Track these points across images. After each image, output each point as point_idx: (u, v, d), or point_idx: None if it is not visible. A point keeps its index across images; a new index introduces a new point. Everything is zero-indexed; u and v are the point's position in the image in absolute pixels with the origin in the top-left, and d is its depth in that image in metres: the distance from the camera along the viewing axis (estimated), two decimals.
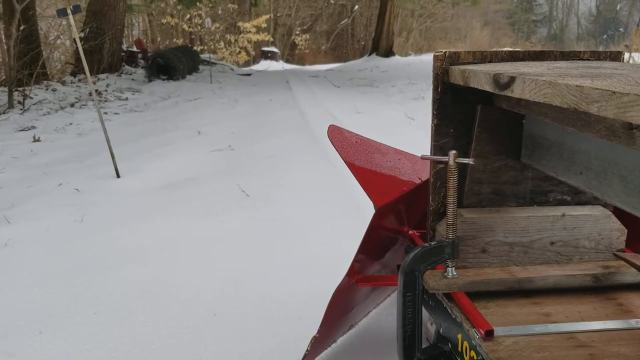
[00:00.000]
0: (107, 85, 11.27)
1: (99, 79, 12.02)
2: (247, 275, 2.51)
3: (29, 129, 7.43)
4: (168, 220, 3.27)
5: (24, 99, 9.23)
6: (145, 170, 4.60)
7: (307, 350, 1.52)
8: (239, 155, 5.16)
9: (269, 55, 28.61)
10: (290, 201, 3.62)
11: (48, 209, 3.51)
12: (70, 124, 7.73)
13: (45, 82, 11.12)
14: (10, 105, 9.09)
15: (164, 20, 27.54)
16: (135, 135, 6.45)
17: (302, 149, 5.26)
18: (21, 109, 8.87)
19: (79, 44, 4.34)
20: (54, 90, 10.45)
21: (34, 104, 9.22)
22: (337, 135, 1.63)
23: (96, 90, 10.58)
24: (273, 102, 9.12)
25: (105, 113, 8.53)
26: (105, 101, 9.77)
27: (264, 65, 25.13)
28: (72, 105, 9.19)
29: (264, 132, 6.25)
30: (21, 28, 9.34)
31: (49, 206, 3.59)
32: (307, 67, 23.93)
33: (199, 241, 2.95)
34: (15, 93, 9.39)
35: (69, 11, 4.23)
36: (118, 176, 4.40)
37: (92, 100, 9.90)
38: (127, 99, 10.14)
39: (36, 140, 6.67)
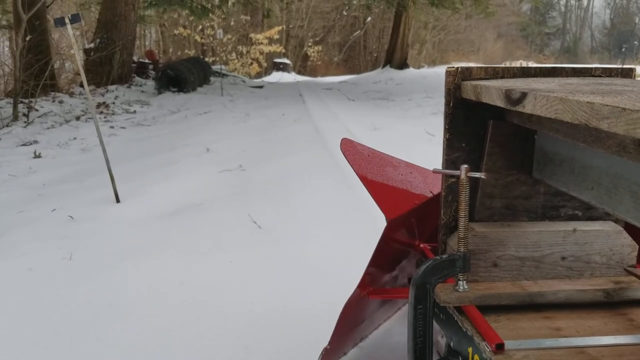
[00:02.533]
0: (116, 97, 10.96)
1: (107, 91, 11.73)
2: (260, 335, 2.07)
3: (31, 144, 7.09)
4: (170, 258, 2.84)
5: (29, 111, 8.92)
6: (148, 193, 4.19)
7: None
8: (250, 176, 4.74)
9: (281, 66, 28.36)
10: (308, 235, 3.18)
11: (35, 242, 3.10)
12: (74, 138, 7.38)
13: (53, 93, 10.84)
14: (15, 118, 8.78)
15: (176, 31, 27.45)
16: (140, 151, 6.07)
17: (319, 170, 4.83)
18: (25, 122, 8.56)
19: (78, 55, 3.97)
20: (60, 102, 10.15)
21: (38, 117, 8.91)
22: (349, 149, 1.64)
23: (103, 103, 10.28)
24: (286, 116, 8.71)
25: (112, 127, 8.19)
26: (113, 114, 9.43)
27: (276, 77, 24.85)
28: (77, 118, 8.86)
29: (277, 150, 5.83)
30: (27, 38, 9.07)
31: (37, 238, 3.18)
32: (320, 79, 23.61)
33: (205, 287, 2.51)
34: (21, 105, 9.10)
35: (67, 20, 3.86)
36: (118, 201, 4.00)
37: (99, 114, 9.59)
38: (135, 112, 9.80)
39: (37, 156, 6.32)
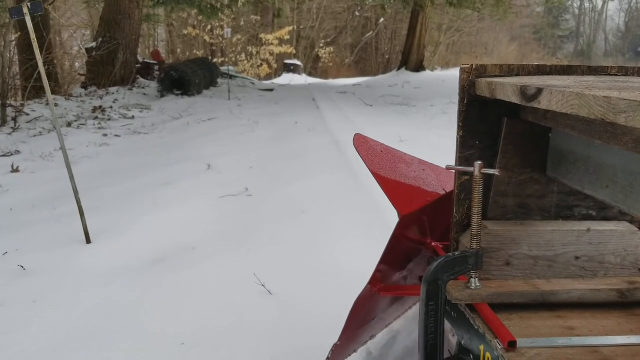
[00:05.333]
0: (115, 100, 10.15)
1: (108, 93, 10.95)
2: None
3: (12, 154, 6.28)
4: (134, 354, 1.96)
5: (16, 116, 8.13)
6: (130, 229, 3.34)
7: (327, 358, 1.47)
8: (257, 205, 3.87)
9: (292, 68, 27.52)
10: (340, 307, 2.29)
11: None
12: (61, 148, 6.54)
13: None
14: (3, 123, 8.01)
15: (185, 31, 26.73)
16: (130, 168, 5.22)
17: (345, 200, 3.94)
18: (12, 128, 7.77)
19: (37, 54, 3.14)
20: (55, 105, 9.34)
21: (28, 122, 8.11)
22: (363, 145, 1.64)
23: (100, 107, 9.47)
24: (299, 125, 7.83)
25: (105, 135, 7.36)
26: (109, 120, 8.60)
27: (286, 78, 24.01)
28: (69, 124, 8.04)
29: (290, 170, 4.95)
30: (16, 35, 8.29)
31: None
32: (332, 82, 22.73)
33: None
34: (12, 109, 8.33)
35: (25, 10, 3.02)
36: (88, 241, 3.14)
37: (95, 118, 8.77)
38: (133, 117, 8.96)
39: (14, 170, 5.50)
